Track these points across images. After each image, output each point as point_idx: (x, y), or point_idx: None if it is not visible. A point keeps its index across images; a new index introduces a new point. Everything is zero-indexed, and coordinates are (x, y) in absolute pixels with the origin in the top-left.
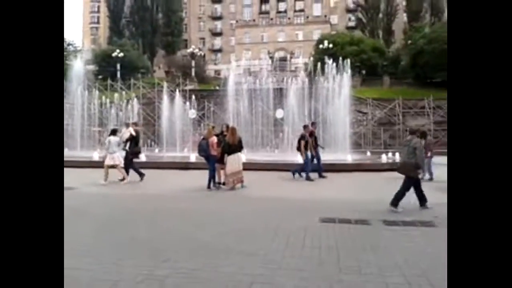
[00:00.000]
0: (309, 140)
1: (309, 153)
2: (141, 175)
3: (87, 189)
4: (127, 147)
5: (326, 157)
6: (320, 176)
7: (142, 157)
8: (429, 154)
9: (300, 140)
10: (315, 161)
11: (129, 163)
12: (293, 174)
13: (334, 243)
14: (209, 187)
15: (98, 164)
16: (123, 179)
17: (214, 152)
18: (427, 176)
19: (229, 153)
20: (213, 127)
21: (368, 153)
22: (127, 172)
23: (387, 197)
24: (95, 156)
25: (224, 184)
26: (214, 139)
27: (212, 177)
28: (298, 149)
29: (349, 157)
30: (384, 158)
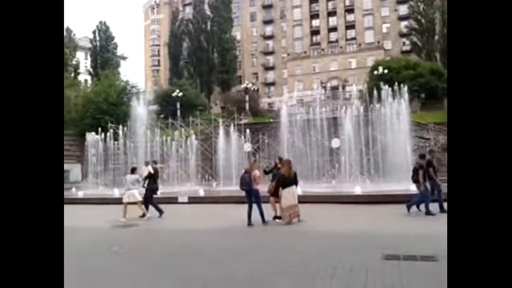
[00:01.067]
0: (429, 170)
1: (428, 185)
2: (160, 211)
3: (147, 225)
4: (145, 185)
5: (388, 187)
6: (442, 209)
7: (201, 192)
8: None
9: (418, 170)
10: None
11: (149, 200)
12: (408, 209)
13: (399, 283)
14: (250, 223)
15: (160, 200)
16: (143, 216)
17: (257, 186)
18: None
19: (284, 186)
20: (254, 161)
21: None
22: (147, 208)
23: None
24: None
25: (280, 218)
26: (257, 173)
27: (261, 212)
28: (415, 180)
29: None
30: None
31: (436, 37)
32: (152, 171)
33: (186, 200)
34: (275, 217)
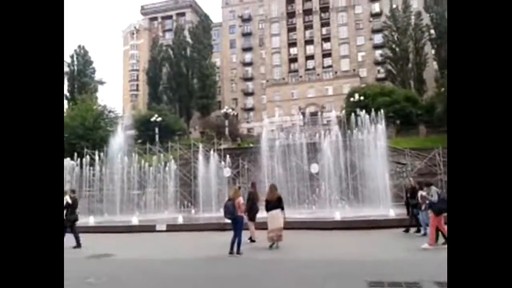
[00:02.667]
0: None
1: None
2: (78, 244)
3: (122, 255)
4: (64, 215)
5: (367, 212)
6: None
7: (180, 220)
8: (423, 207)
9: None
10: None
11: (69, 230)
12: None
13: None
14: (232, 252)
15: (137, 229)
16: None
17: (241, 213)
18: (422, 231)
19: (267, 210)
20: (239, 187)
21: None
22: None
23: (437, 255)
24: (134, 220)
25: (254, 241)
26: (241, 200)
27: (239, 241)
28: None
29: (391, 212)
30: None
31: (410, 65)
32: (70, 201)
33: (164, 228)
34: (250, 240)
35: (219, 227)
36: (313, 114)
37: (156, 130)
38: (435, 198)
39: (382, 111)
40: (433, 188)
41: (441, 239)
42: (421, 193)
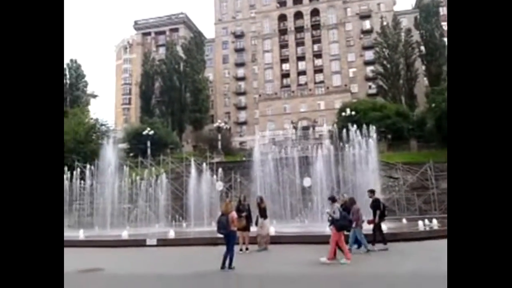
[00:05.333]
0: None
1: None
2: None
3: (113, 270)
4: None
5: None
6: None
7: (171, 234)
8: (354, 224)
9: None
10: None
11: None
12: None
13: None
14: (224, 266)
15: (128, 243)
16: None
17: (234, 227)
18: (355, 246)
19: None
20: (230, 201)
21: (404, 220)
22: None
23: (430, 269)
24: (125, 234)
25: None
26: (234, 214)
27: (231, 256)
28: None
29: (383, 226)
30: (421, 225)
31: (401, 81)
32: None
33: (155, 242)
34: (245, 249)
35: (211, 242)
36: (305, 128)
37: (148, 143)
38: (337, 214)
39: (373, 125)
40: (336, 204)
41: (340, 254)
42: (355, 206)
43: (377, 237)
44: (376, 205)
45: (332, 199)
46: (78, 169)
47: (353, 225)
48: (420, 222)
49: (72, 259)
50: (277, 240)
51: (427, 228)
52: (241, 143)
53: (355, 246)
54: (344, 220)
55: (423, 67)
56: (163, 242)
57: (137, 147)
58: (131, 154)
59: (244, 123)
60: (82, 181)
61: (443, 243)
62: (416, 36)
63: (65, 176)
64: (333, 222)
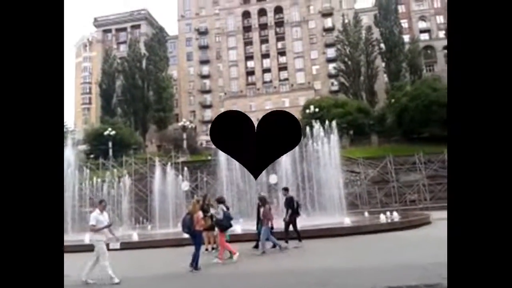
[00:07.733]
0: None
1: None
2: None
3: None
4: None
5: (324, 220)
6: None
7: (135, 237)
8: (268, 224)
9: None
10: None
11: None
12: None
13: None
14: (193, 265)
15: (90, 248)
16: None
17: (200, 227)
18: (267, 245)
19: None
20: (197, 201)
21: (366, 214)
22: None
23: (395, 260)
24: (86, 239)
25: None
26: (200, 214)
27: (197, 257)
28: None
29: (347, 220)
30: (382, 218)
31: (362, 78)
32: None
33: (118, 246)
34: (212, 249)
35: (177, 243)
36: None
37: (110, 144)
38: (220, 215)
39: (335, 122)
40: (220, 205)
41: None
42: (267, 206)
43: (292, 234)
44: (289, 203)
45: (219, 200)
46: None
47: (264, 224)
48: (382, 215)
49: None
50: (246, 238)
51: (389, 221)
52: (207, 142)
53: (270, 244)
54: (227, 221)
55: (383, 64)
56: (127, 245)
57: (98, 149)
58: (92, 156)
59: (210, 121)
60: None
61: (400, 234)
62: (376, 33)
63: None
64: (217, 223)
